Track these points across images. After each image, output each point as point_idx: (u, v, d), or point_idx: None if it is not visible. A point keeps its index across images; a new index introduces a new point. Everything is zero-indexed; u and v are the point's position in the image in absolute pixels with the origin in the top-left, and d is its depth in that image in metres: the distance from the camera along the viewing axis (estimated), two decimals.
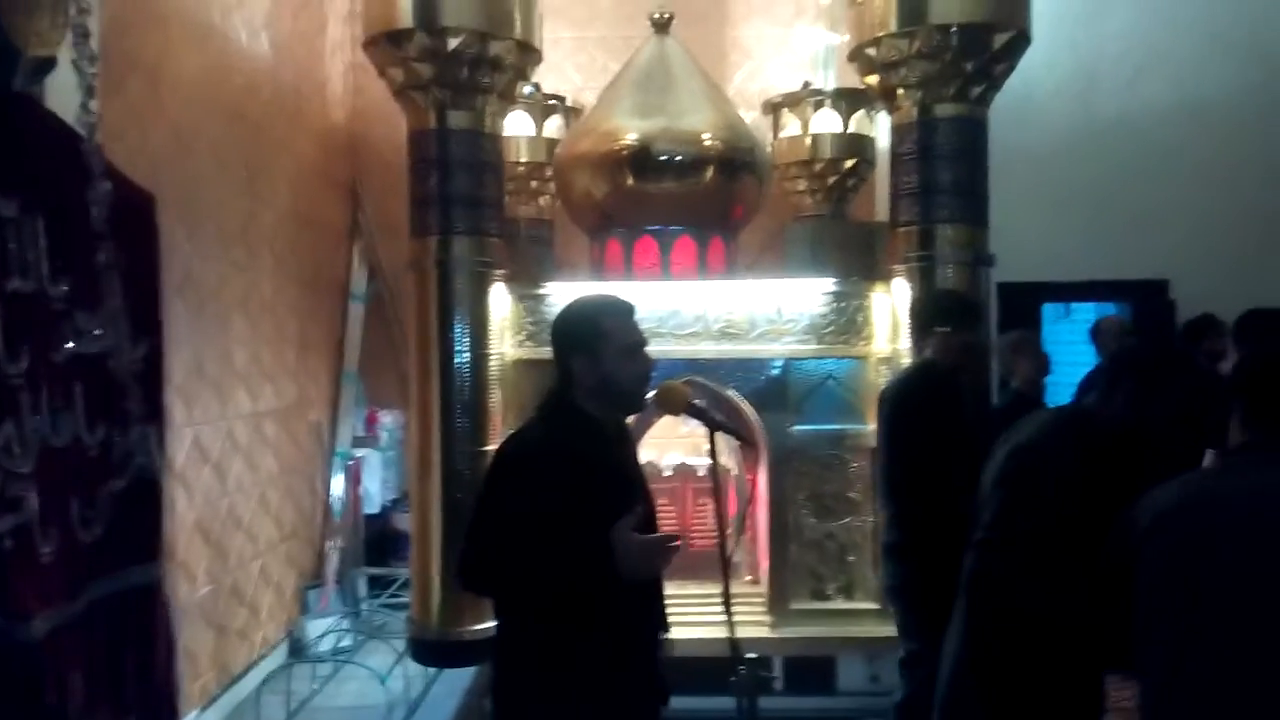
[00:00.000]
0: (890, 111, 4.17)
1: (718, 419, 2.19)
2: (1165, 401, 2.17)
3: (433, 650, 4.15)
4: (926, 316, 3.44)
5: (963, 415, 3.25)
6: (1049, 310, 6.11)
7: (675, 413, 2.32)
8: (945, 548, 2.64)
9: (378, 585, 6.07)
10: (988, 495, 2.40)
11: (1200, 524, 1.79)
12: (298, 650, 5.22)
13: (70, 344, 1.54)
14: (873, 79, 4.15)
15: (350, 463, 5.96)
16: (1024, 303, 5.71)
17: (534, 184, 5.62)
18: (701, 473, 4.76)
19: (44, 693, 1.51)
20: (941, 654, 2.54)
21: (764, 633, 4.12)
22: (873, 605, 4.22)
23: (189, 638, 4.17)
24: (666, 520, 4.47)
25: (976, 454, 2.58)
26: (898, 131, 4.11)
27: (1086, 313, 5.91)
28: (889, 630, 4.13)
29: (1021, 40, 3.98)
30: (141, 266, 1.74)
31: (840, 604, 4.25)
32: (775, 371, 4.22)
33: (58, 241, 1.51)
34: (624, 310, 2.13)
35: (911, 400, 3.28)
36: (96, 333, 1.58)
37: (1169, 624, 1.78)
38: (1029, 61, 4.13)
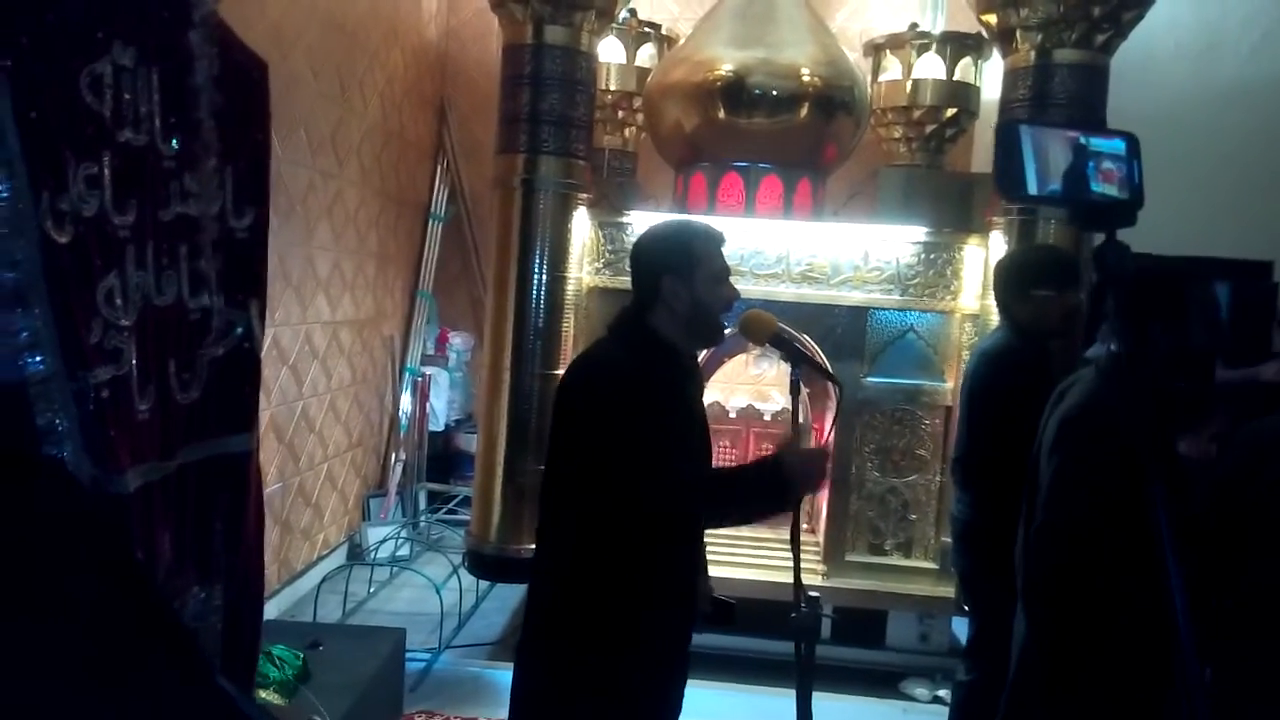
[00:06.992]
0: (1005, 54, 3.95)
1: (803, 351, 2.13)
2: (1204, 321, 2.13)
3: (488, 564, 4.19)
4: (1025, 276, 3.03)
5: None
6: None
7: (760, 342, 2.24)
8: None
9: (437, 500, 6.18)
10: (1044, 467, 2.25)
11: None
12: (356, 555, 5.35)
13: (177, 204, 1.53)
14: (990, 17, 3.92)
15: (419, 379, 6.03)
16: None
17: (621, 114, 5.54)
18: (767, 417, 4.71)
19: (133, 548, 1.51)
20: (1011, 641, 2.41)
21: (817, 580, 4.07)
22: (930, 564, 4.15)
23: None
24: (727, 464, 4.44)
25: None
26: (1011, 76, 3.90)
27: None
28: (944, 590, 4.08)
29: None
30: (251, 134, 1.71)
31: (897, 560, 4.18)
32: (854, 319, 4.11)
33: (171, 98, 1.49)
34: (716, 237, 2.06)
35: (1004, 377, 2.96)
36: (201, 194, 1.56)
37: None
38: (1149, 17, 3.89)
